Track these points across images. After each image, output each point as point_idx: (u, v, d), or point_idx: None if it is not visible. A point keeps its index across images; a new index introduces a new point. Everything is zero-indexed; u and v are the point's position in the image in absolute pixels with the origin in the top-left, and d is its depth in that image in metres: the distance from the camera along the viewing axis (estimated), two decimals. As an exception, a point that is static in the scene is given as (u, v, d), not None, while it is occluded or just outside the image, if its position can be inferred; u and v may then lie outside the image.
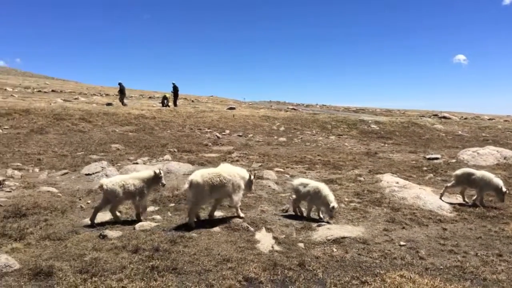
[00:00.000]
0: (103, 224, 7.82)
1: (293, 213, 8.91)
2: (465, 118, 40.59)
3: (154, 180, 8.24)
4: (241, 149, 18.85)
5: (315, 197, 8.48)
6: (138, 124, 23.14)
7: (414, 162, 16.81)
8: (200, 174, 8.01)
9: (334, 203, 8.27)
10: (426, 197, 10.11)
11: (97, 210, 7.96)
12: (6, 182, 10.89)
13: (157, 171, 8.26)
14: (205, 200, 8.18)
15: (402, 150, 21.10)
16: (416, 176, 13.50)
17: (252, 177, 8.68)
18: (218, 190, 8.05)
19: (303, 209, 8.97)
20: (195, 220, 8.00)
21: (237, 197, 8.36)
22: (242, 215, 8.47)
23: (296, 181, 9.03)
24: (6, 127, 19.24)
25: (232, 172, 8.38)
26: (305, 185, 8.73)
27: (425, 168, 15.06)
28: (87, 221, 8.00)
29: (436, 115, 41.84)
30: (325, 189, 8.49)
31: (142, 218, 8.11)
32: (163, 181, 8.38)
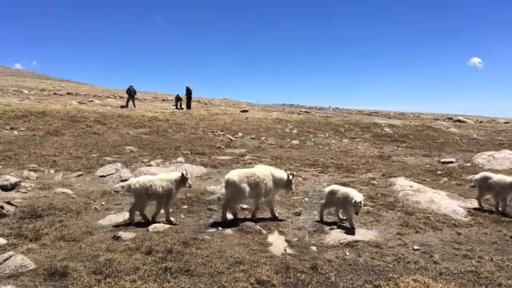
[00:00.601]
0: (116, 226, 7.91)
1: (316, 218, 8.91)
2: (480, 122, 40.08)
3: (181, 182, 8.34)
4: (253, 152, 18.88)
5: (346, 203, 8.34)
6: (152, 126, 23.33)
7: (428, 165, 16.65)
8: (237, 174, 8.44)
9: (356, 198, 7.97)
10: (441, 201, 10.01)
11: (138, 209, 8.28)
12: (22, 183, 11.07)
13: (184, 173, 8.37)
14: (241, 198, 8.57)
15: (416, 153, 20.91)
16: (430, 180, 13.37)
17: (291, 176, 8.77)
18: (252, 189, 8.43)
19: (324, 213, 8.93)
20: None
21: (265, 199, 8.68)
22: (256, 216, 8.69)
23: (327, 188, 8.98)
24: (22, 129, 19.55)
25: (266, 173, 8.69)
26: (335, 192, 8.62)
27: (439, 172, 14.90)
28: (101, 222, 8.11)
29: (450, 118, 41.36)
30: (352, 192, 8.33)
31: (171, 219, 8.32)
32: (189, 182, 8.47)
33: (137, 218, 8.50)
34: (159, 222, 8.04)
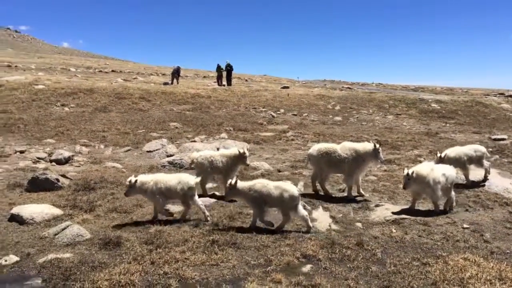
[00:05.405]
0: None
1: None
2: (535, 97, 37.92)
3: (239, 159, 8.48)
4: (296, 128, 18.79)
5: None
6: (195, 103, 23.59)
7: (478, 142, 15.98)
8: (317, 148, 8.85)
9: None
10: (491, 179, 9.69)
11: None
12: (75, 158, 11.60)
13: (241, 151, 8.51)
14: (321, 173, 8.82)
15: (465, 130, 20.16)
16: (480, 158, 12.88)
17: (377, 145, 8.47)
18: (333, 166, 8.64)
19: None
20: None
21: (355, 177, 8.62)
22: (351, 196, 8.60)
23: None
24: (72, 105, 20.28)
25: (347, 151, 8.60)
26: None
27: (490, 149, 14.29)
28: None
29: (502, 93, 39.27)
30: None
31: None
32: (247, 162, 8.61)
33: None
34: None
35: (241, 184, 6.58)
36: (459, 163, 9.34)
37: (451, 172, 7.93)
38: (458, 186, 9.46)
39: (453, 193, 7.89)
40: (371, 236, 6.46)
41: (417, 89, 45.61)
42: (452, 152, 9.59)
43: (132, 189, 6.75)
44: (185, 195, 6.85)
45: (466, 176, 9.64)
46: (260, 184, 6.59)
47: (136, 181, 6.70)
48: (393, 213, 7.55)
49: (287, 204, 6.47)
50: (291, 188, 6.56)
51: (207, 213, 6.94)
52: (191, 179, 6.94)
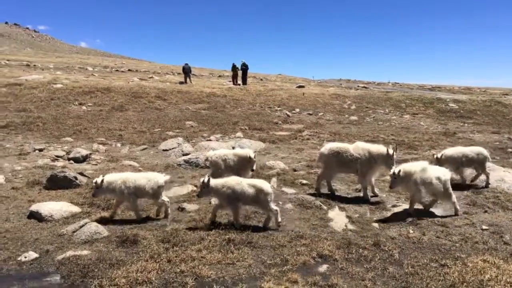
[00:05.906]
0: (180, 198, 8.21)
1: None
2: (556, 96, 37.10)
3: (248, 161, 8.50)
4: (311, 128, 18.72)
5: None
6: (210, 102, 23.68)
7: (497, 143, 15.77)
8: (329, 147, 8.80)
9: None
10: (511, 180, 9.49)
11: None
12: (92, 156, 11.73)
13: (250, 155, 8.53)
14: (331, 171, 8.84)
15: (484, 130, 19.84)
16: (499, 158, 12.68)
17: (391, 151, 8.23)
18: (343, 165, 8.54)
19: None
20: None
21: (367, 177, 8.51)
22: (368, 197, 8.46)
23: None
24: (89, 104, 20.52)
25: (361, 151, 8.48)
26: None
27: (510, 150, 14.09)
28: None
29: (522, 93, 38.57)
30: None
31: None
32: (253, 167, 8.59)
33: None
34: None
35: (215, 182, 6.56)
36: (456, 163, 9.22)
37: (447, 175, 7.62)
38: (476, 188, 9.36)
39: (454, 196, 7.60)
40: (388, 237, 6.40)
41: (434, 89, 44.99)
42: (450, 151, 9.51)
43: (99, 190, 6.67)
44: (154, 194, 6.87)
45: (461, 175, 9.57)
46: (234, 181, 6.62)
47: (102, 181, 6.63)
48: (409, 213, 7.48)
49: (262, 201, 6.53)
50: (264, 185, 6.63)
51: (169, 211, 7.04)
52: (160, 178, 6.99)
